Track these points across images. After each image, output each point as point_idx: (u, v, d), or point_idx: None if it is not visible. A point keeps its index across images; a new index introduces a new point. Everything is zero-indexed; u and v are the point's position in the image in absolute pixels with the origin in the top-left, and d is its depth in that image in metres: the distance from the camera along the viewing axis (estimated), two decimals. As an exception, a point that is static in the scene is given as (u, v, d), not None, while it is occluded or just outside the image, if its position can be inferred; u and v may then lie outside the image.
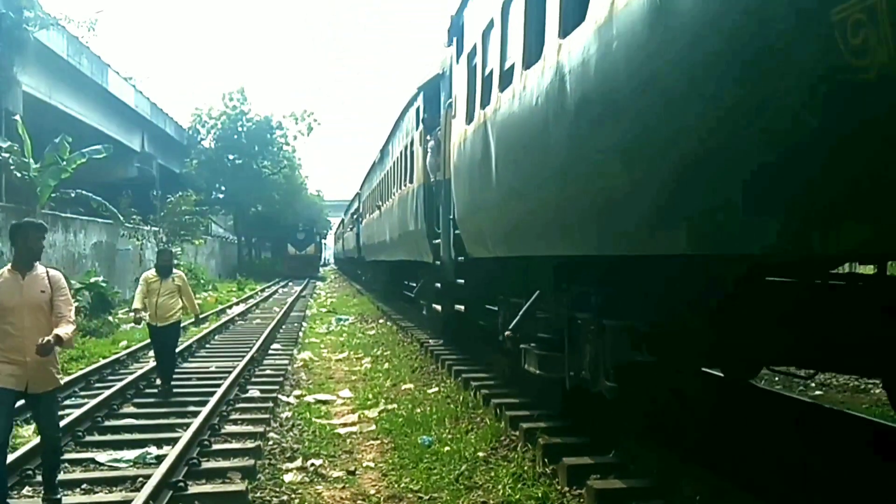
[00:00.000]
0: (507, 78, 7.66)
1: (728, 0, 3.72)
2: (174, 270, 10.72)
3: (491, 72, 8.51)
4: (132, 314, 10.97)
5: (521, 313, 8.16)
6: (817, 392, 10.45)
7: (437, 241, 12.71)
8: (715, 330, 5.60)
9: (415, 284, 17.82)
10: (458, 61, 10.71)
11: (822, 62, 3.09)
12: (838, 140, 3.13)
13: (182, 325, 11.68)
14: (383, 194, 22.34)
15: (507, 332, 8.39)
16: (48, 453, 6.04)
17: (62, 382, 6.09)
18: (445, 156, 11.56)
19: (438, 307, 13.28)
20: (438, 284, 13.03)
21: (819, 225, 3.38)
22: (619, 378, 5.98)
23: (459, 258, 10.82)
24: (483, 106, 8.68)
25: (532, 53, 6.73)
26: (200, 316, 12.33)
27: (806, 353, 6.05)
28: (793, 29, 3.23)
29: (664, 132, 4.35)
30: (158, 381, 10.68)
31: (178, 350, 14.00)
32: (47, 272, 5.83)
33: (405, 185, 17.15)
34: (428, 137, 13.69)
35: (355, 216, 36.48)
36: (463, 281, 11.17)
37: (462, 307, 11.63)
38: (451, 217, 10.96)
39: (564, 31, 5.83)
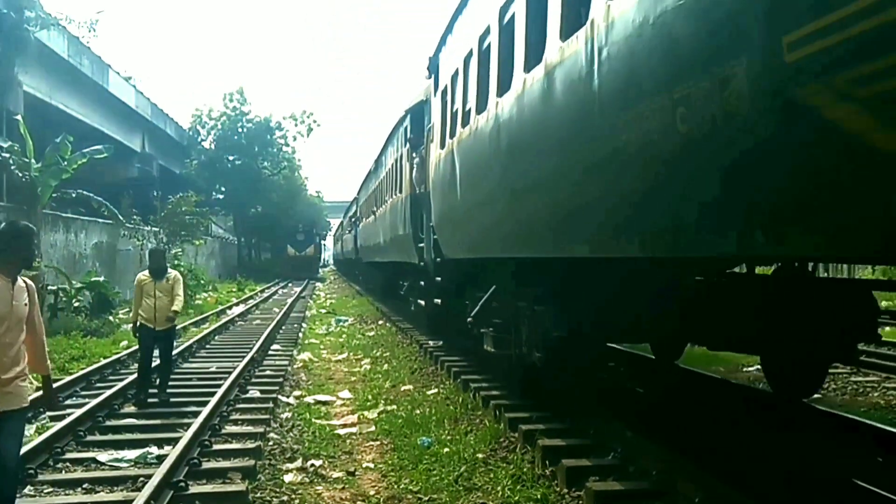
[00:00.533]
0: (467, 117, 9.69)
1: (566, 97, 6.07)
2: (169, 271, 10.20)
3: (457, 110, 10.48)
4: (131, 326, 10.30)
5: (480, 304, 10.27)
6: (815, 395, 10.48)
7: (421, 244, 14.29)
8: (618, 314, 7.40)
9: (405, 283, 19.40)
10: (435, 94, 12.67)
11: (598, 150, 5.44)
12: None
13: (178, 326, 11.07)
14: (377, 201, 23.90)
15: (469, 319, 10.64)
16: (3, 484, 4.84)
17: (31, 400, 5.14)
18: (426, 172, 13.27)
19: (422, 302, 15.15)
20: (422, 282, 14.89)
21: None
22: (545, 350, 7.97)
23: (437, 259, 12.52)
24: (451, 136, 10.67)
25: (482, 103, 8.81)
26: (175, 319, 10.38)
27: (696, 336, 8.36)
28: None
29: (553, 171, 6.52)
30: (143, 394, 9.83)
31: (177, 351, 14.07)
32: (24, 281, 5.12)
33: (396, 195, 18.65)
34: (413, 155, 15.22)
35: (353, 219, 38.47)
36: (440, 279, 12.95)
37: (439, 300, 13.52)
38: (431, 224, 12.59)
39: (500, 92, 8.04)
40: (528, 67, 6.95)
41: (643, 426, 7.13)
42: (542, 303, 8.02)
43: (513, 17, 7.64)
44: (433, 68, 12.91)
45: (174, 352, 11.26)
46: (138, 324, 10.02)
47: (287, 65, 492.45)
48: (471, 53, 9.55)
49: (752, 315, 6.94)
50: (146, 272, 10.06)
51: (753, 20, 3.69)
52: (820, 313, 6.77)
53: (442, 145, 11.35)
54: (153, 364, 10.19)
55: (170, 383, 10.37)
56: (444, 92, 11.53)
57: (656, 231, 4.99)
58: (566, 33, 5.98)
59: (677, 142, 4.35)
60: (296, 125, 56.81)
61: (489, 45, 8.61)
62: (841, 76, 3.15)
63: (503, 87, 7.90)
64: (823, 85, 3.25)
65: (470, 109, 9.47)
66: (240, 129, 54.10)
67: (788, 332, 7.16)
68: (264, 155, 55.34)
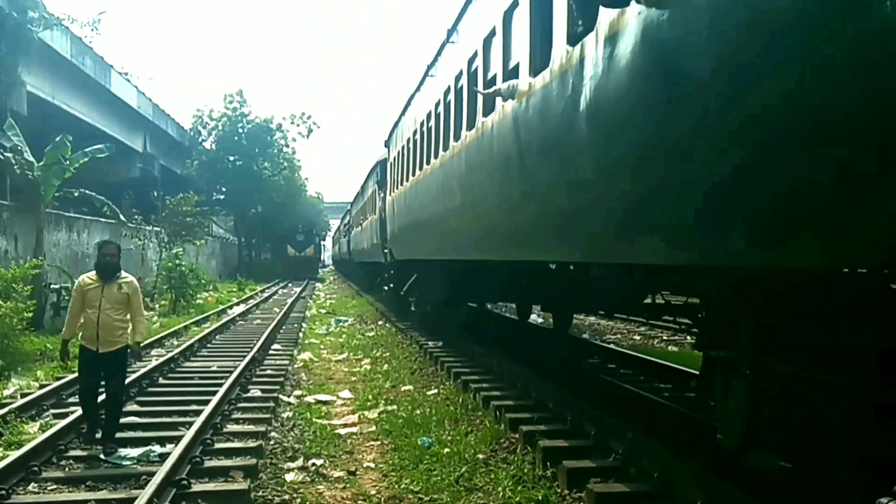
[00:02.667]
0: (399, 184, 17.53)
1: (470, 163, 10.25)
2: (122, 273, 7.77)
3: (395, 178, 18.56)
4: (61, 345, 8.11)
5: (408, 284, 18.72)
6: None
7: (386, 250, 21.09)
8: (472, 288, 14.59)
9: (379, 276, 27.78)
10: (389, 160, 20.70)
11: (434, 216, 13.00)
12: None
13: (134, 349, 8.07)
14: (363, 216, 31.68)
15: (402, 293, 19.94)
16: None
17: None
18: (386, 206, 21.23)
19: (386, 287, 24.55)
20: (386, 275, 23.84)
21: None
22: (432, 306, 16.43)
23: (392, 260, 19.99)
24: (392, 192, 19.00)
25: (403, 180, 16.62)
26: (142, 344, 8.27)
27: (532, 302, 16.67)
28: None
29: (427, 219, 13.64)
30: (92, 432, 7.72)
31: (179, 350, 14.08)
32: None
33: (372, 215, 26.80)
34: (381, 192, 23.42)
35: (347, 227, 45.99)
36: (393, 271, 21.58)
37: (392, 285, 22.38)
38: (388, 238, 20.13)
39: (407, 179, 15.80)
40: (413, 174, 15.20)
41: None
42: (431, 281, 15.80)
43: (415, 141, 15.07)
44: (387, 145, 21.16)
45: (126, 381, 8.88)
46: (76, 344, 7.81)
47: (287, 65, 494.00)
48: (398, 153, 17.99)
49: (550, 290, 12.16)
50: (92, 273, 7.77)
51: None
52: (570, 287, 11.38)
53: (390, 193, 19.55)
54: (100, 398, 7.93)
55: (168, 384, 10.27)
56: (392, 164, 19.77)
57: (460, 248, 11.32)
58: (418, 169, 14.30)
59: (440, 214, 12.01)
60: (296, 126, 56.97)
61: (405, 153, 16.53)
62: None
63: (410, 176, 15.73)
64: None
65: (401, 180, 17.25)
66: (240, 130, 54.14)
67: (562, 298, 13.02)
68: (265, 156, 55.42)
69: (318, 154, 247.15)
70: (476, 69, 9.64)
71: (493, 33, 8.69)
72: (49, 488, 6.48)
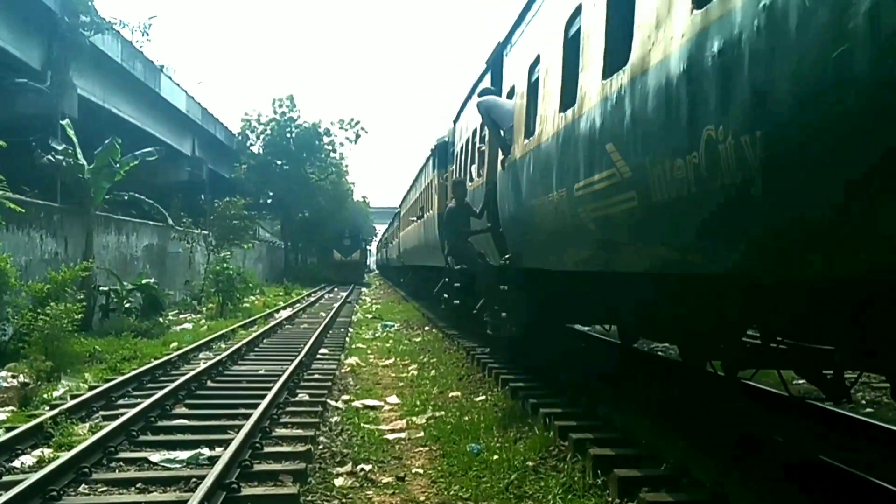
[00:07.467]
0: (404, 228, 34.15)
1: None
2: None
3: (404, 224, 34.42)
4: None
5: (409, 276, 38.60)
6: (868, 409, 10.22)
7: (401, 259, 36.42)
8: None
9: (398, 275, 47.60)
10: (401, 214, 38.16)
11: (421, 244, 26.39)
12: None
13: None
14: (393, 238, 47.10)
15: (403, 281, 45.22)
16: None
17: None
18: (399, 237, 37.96)
19: (402, 280, 45.06)
20: (400, 272, 45.56)
21: None
22: (416, 286, 34.62)
23: (403, 264, 37.53)
24: (402, 230, 35.41)
25: (406, 224, 32.61)
26: None
27: None
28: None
29: (414, 244, 28.17)
30: None
31: (226, 354, 14.15)
32: None
33: (396, 240, 41.81)
34: (398, 229, 38.90)
35: (386, 241, 59.77)
36: (403, 270, 42.10)
37: (403, 278, 44.17)
38: (401, 253, 37.05)
39: (404, 227, 34.83)
40: (408, 225, 31.14)
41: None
42: (419, 274, 30.31)
43: (409, 210, 31.41)
44: (399, 207, 39.82)
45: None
46: None
47: (336, 69, 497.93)
48: (405, 212, 34.47)
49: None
50: None
51: None
52: None
53: (401, 230, 36.02)
54: None
55: (216, 387, 10.31)
56: (402, 216, 36.93)
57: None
58: (410, 224, 30.22)
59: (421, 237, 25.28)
60: (344, 131, 57.35)
61: (406, 214, 33.41)
62: None
63: (406, 226, 32.09)
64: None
65: (404, 226, 33.74)
66: (288, 135, 54.63)
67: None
68: (312, 161, 55.82)
69: (364, 159, 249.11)
70: (426, 196, 22.01)
71: (426, 189, 21.71)
72: (99, 490, 6.49)
